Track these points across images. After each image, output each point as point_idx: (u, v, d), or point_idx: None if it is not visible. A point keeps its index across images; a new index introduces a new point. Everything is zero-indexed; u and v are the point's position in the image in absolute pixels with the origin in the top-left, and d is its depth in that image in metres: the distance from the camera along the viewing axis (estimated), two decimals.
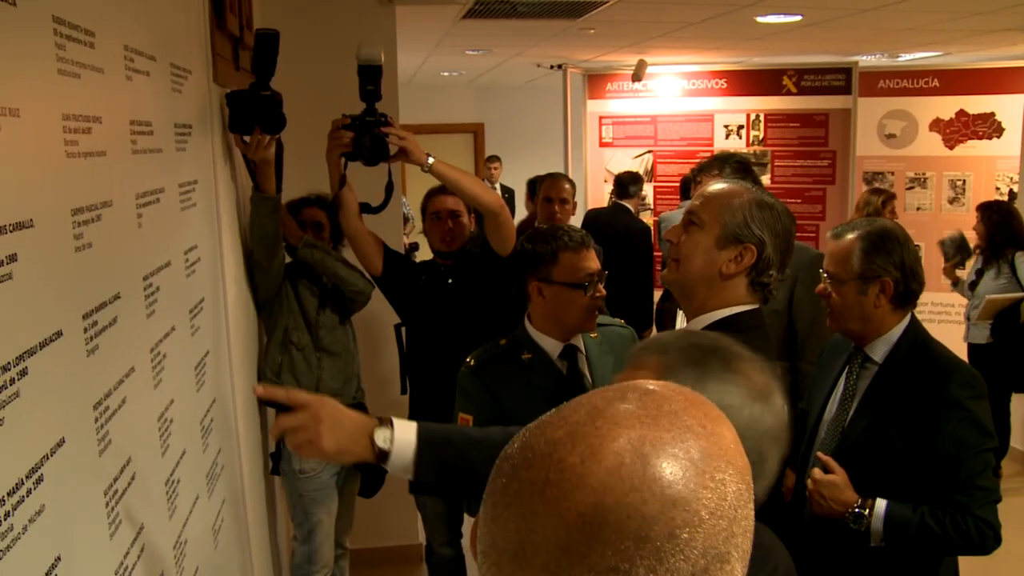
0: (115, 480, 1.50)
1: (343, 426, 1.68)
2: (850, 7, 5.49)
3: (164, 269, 1.95)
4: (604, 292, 2.69)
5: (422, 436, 1.72)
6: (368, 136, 3.06)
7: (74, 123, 1.36)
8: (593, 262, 2.69)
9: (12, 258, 1.08)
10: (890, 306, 2.46)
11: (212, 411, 2.43)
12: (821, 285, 2.56)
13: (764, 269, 2.00)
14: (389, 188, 3.29)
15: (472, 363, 2.78)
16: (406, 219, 7.71)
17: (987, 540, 2.30)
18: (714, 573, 0.68)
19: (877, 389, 2.47)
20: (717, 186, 2.11)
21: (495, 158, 10.63)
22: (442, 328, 3.56)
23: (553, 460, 0.69)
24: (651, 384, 0.78)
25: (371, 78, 3.02)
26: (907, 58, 8.50)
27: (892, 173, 8.02)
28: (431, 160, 3.14)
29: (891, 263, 2.44)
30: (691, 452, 0.70)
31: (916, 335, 2.49)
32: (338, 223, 3.41)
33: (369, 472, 3.70)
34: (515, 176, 10.49)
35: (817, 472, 2.42)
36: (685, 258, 2.05)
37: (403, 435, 1.71)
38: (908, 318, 2.50)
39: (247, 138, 2.85)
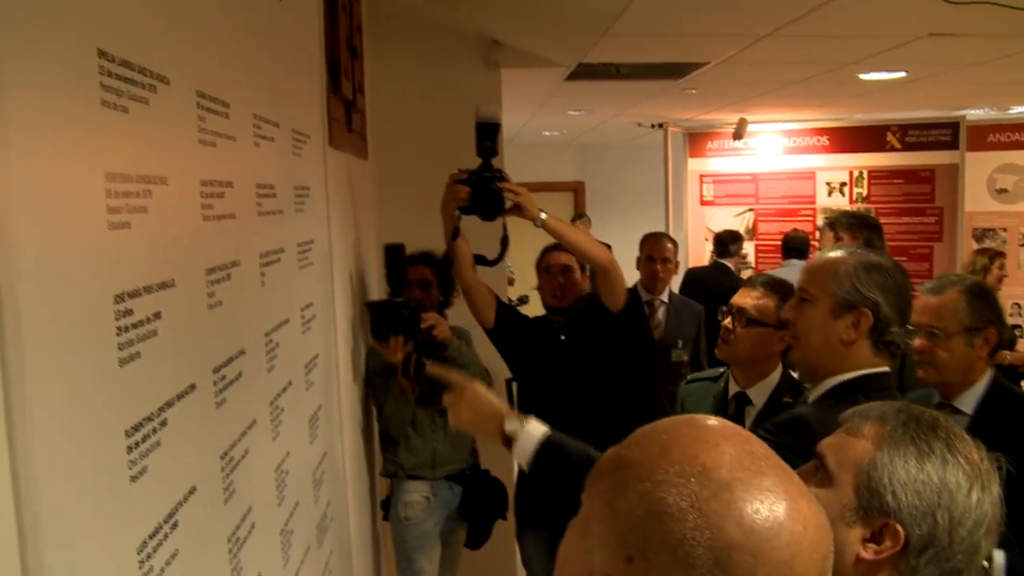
0: (237, 528, 1.56)
1: (481, 405, 2.07)
2: (956, 62, 5.42)
3: (283, 326, 2.03)
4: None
5: (548, 436, 2.00)
6: (485, 190, 3.15)
7: (210, 188, 1.45)
8: None
9: (157, 316, 1.16)
10: (986, 357, 2.50)
11: (323, 464, 2.50)
12: (918, 341, 2.53)
13: (885, 328, 2.02)
14: (504, 242, 3.36)
15: (691, 377, 3.07)
16: (511, 281, 7.83)
17: None
18: None
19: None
20: (820, 257, 2.16)
21: (580, 216, 10.55)
22: (553, 384, 3.58)
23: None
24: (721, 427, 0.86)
25: (489, 135, 3.13)
26: (1018, 110, 8.29)
27: (1004, 229, 7.79)
28: (543, 216, 3.21)
29: (993, 314, 2.51)
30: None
31: (999, 383, 2.52)
32: (445, 279, 3.50)
33: (476, 523, 3.74)
34: (613, 234, 10.47)
35: None
36: (803, 335, 2.10)
37: (532, 429, 2.01)
38: (991, 369, 2.54)
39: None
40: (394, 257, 3.19)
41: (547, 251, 3.76)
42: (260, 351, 1.81)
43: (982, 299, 2.51)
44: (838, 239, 3.64)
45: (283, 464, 1.98)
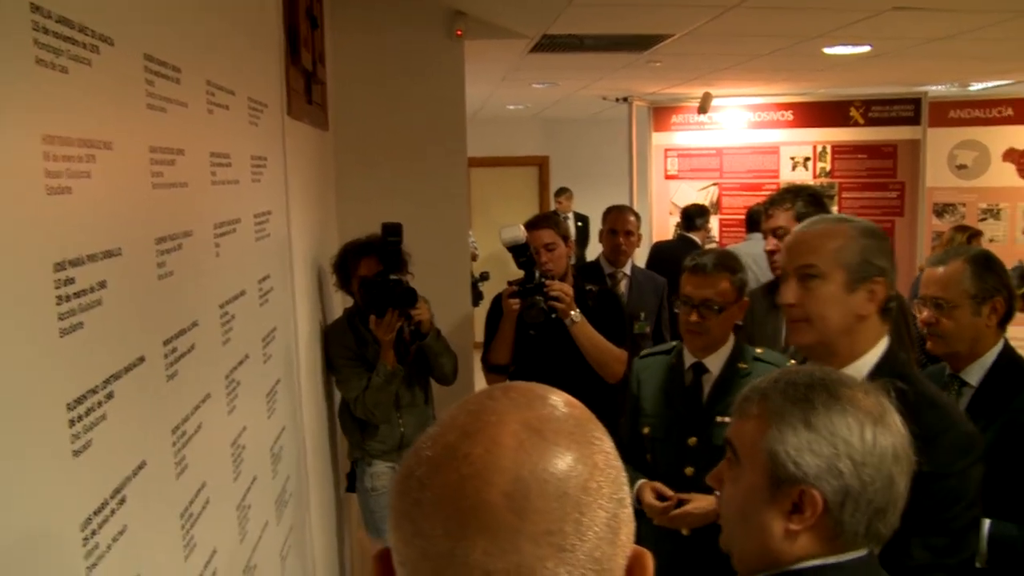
0: (190, 504, 1.54)
1: None
2: (920, 37, 5.43)
3: (239, 298, 1.99)
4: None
5: None
6: (533, 302, 3.43)
7: (160, 155, 1.41)
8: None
9: (102, 284, 1.12)
10: (996, 327, 2.49)
11: (282, 438, 2.47)
12: (926, 313, 2.53)
13: (891, 296, 1.97)
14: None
15: (644, 352, 3.08)
16: (474, 256, 7.85)
17: None
18: (621, 517, 0.77)
19: (975, 412, 2.41)
20: (814, 228, 2.01)
21: (563, 191, 10.61)
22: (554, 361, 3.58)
23: (460, 458, 0.75)
24: (509, 383, 0.85)
25: (520, 253, 3.47)
26: (979, 87, 8.34)
27: (964, 204, 7.86)
28: (576, 320, 3.47)
29: (1000, 283, 2.49)
30: (568, 422, 0.78)
31: (1010, 357, 2.50)
32: (393, 259, 3.30)
33: None
34: (577, 208, 10.56)
35: None
36: (818, 317, 1.94)
37: None
38: (1003, 341, 2.52)
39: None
40: (391, 234, 3.21)
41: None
42: (215, 323, 1.78)
43: (988, 268, 2.50)
44: (769, 217, 3.49)
45: (239, 439, 1.94)
